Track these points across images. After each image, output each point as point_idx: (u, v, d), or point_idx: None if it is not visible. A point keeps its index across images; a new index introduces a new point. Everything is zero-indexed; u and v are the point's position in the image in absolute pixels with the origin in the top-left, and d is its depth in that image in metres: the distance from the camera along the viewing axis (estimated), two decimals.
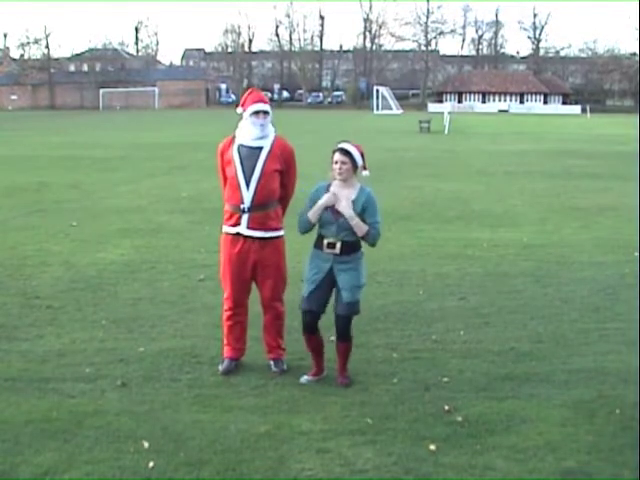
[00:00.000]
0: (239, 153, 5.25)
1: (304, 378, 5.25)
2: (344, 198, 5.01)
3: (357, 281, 5.07)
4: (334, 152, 5.05)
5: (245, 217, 5.25)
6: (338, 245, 5.01)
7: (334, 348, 5.32)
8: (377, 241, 5.11)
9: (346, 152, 5.02)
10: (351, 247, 5.05)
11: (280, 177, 5.34)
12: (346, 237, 5.01)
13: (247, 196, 5.22)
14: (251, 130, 5.25)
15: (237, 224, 5.28)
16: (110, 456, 4.13)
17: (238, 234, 5.29)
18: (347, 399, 4.93)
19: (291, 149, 5.42)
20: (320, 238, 5.09)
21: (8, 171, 19.07)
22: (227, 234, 5.38)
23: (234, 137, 5.36)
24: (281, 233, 5.41)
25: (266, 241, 5.31)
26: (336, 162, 5.01)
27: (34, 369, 5.41)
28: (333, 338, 5.35)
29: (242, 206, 5.24)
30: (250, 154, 5.23)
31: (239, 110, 5.34)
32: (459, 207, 13.38)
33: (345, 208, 4.96)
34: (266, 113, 5.24)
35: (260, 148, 5.24)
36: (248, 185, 5.21)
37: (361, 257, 5.15)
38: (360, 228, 4.99)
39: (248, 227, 5.26)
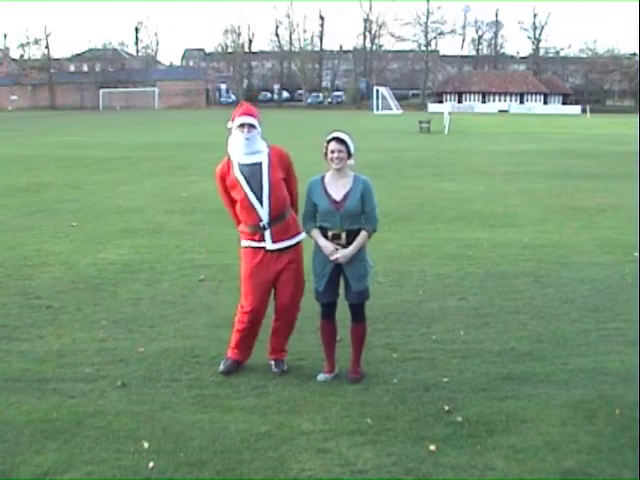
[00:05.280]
0: (242, 173, 5.19)
1: (321, 376, 5.28)
2: (340, 187, 5.07)
3: (364, 270, 5.18)
4: (329, 142, 5.06)
5: (267, 233, 5.22)
6: (343, 236, 5.07)
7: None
8: (376, 226, 5.18)
9: (341, 141, 5.05)
10: (356, 236, 5.10)
11: (285, 184, 5.33)
12: (350, 226, 5.06)
13: (264, 213, 5.19)
14: (239, 144, 5.18)
15: (261, 240, 5.25)
16: (110, 456, 4.13)
17: (262, 248, 5.26)
18: (347, 399, 4.93)
19: (287, 154, 5.39)
20: (323, 230, 5.12)
21: (8, 171, 19.08)
22: (248, 247, 5.32)
23: (229, 157, 5.28)
24: (302, 236, 5.39)
25: (289, 248, 5.29)
26: (332, 151, 5.04)
27: (34, 369, 5.41)
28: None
29: (261, 224, 5.21)
30: (253, 172, 5.18)
31: (229, 125, 5.27)
32: (459, 207, 13.38)
33: (342, 256, 5.05)
34: (251, 126, 5.16)
35: (260, 163, 5.20)
36: (261, 202, 5.17)
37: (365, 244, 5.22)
38: (363, 240, 5.09)
39: (273, 241, 5.24)
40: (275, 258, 5.26)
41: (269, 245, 5.24)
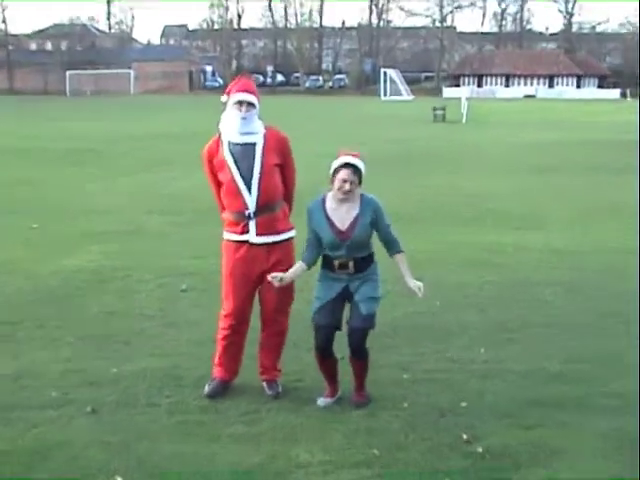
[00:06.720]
0: (232, 153, 5.22)
1: (321, 400, 5.27)
2: (345, 213, 5.01)
3: (374, 292, 5.14)
4: (339, 168, 4.94)
5: (252, 224, 5.23)
6: (351, 264, 5.06)
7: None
8: (401, 242, 5.23)
9: (355, 168, 4.94)
10: (365, 262, 5.10)
11: (280, 171, 5.34)
12: (358, 254, 5.05)
13: (250, 200, 5.20)
14: (234, 123, 5.21)
15: (244, 232, 5.26)
16: None
17: (245, 241, 5.27)
18: (351, 426, 4.93)
19: (285, 137, 5.40)
20: (329, 259, 5.10)
21: None
22: (230, 241, 5.34)
23: (220, 134, 5.32)
24: (292, 234, 5.39)
25: (275, 245, 5.29)
26: (344, 180, 4.91)
27: None
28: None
29: (247, 212, 5.22)
30: (244, 152, 5.20)
31: (223, 98, 5.29)
32: (478, 207, 13.42)
33: (418, 288, 5.15)
34: (250, 105, 5.19)
35: (254, 144, 5.22)
36: (249, 188, 5.18)
37: (376, 267, 5.21)
38: (406, 263, 5.20)
39: (257, 234, 5.24)
40: (260, 255, 5.26)
41: (252, 238, 5.24)
